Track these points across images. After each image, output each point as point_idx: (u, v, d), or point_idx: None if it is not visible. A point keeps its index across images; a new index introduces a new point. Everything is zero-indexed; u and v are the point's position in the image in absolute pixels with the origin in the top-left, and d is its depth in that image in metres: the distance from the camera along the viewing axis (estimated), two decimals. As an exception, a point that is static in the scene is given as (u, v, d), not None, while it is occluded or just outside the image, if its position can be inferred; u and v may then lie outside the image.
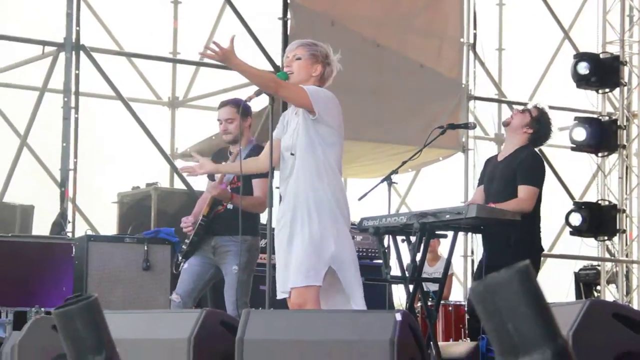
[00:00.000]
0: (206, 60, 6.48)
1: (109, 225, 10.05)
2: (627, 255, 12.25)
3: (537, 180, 6.39)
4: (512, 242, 6.22)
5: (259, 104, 8.34)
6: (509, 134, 6.59)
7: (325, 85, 5.41)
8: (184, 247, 6.61)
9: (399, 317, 4.33)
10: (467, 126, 7.87)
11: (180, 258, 6.64)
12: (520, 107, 6.65)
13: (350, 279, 5.21)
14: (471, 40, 11.59)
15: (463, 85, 11.45)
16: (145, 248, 7.44)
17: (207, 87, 12.04)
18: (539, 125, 6.49)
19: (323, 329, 4.38)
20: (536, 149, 6.62)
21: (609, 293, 12.19)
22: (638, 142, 12.06)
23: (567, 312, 4.45)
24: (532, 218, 6.39)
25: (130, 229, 8.79)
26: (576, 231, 11.80)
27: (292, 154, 5.28)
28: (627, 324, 4.39)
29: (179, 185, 10.44)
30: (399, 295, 7.88)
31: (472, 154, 11.21)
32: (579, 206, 11.86)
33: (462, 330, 8.86)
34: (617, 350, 4.35)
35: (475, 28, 11.63)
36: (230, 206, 6.47)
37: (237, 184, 6.46)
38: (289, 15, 10.43)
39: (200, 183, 7.85)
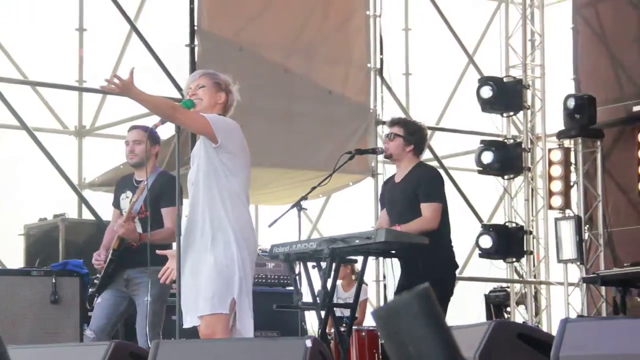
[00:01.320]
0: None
1: (15, 258, 9.88)
2: (535, 276, 12.45)
3: (438, 196, 6.46)
4: (423, 263, 6.27)
5: (167, 131, 8.30)
6: (396, 161, 6.67)
7: (228, 114, 5.43)
8: (95, 281, 6.55)
9: (308, 343, 4.32)
10: (374, 151, 7.94)
11: (91, 291, 6.57)
12: (387, 134, 6.70)
13: (245, 308, 5.21)
14: (378, 66, 11.71)
15: (371, 110, 11.55)
16: (54, 281, 7.33)
17: (114, 115, 11.93)
18: (413, 136, 6.59)
19: (233, 357, 4.36)
20: (428, 164, 6.73)
21: (519, 314, 12.37)
22: (542, 164, 12.29)
23: (472, 334, 4.50)
24: (441, 234, 6.43)
25: (38, 262, 8.65)
26: (485, 253, 11.96)
27: (192, 183, 5.30)
28: (532, 344, 4.46)
29: (87, 215, 10.31)
30: (312, 321, 7.92)
31: (381, 178, 11.29)
32: (487, 228, 12.02)
33: (376, 355, 8.89)
34: (523, 370, 4.42)
35: (382, 53, 11.76)
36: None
37: (145, 213, 6.43)
38: (196, 42, 10.43)
39: (108, 213, 7.76)
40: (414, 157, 6.58)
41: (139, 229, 6.48)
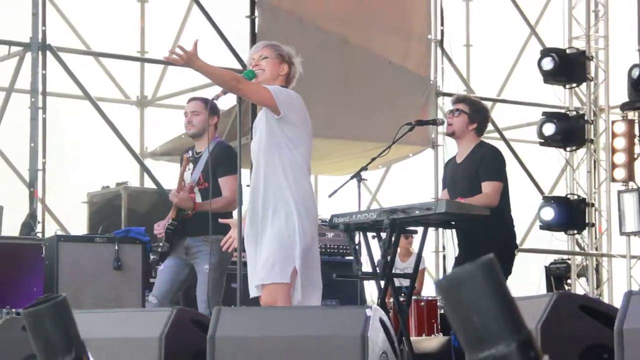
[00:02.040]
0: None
1: (79, 225, 10.02)
2: (596, 249, 12.34)
3: (499, 175, 6.43)
4: (484, 237, 6.26)
5: (228, 102, 8.34)
6: (458, 139, 6.63)
7: (290, 86, 5.45)
8: (157, 249, 6.62)
9: (369, 312, 4.35)
10: (435, 122, 7.91)
11: (152, 258, 6.66)
12: (451, 110, 6.66)
13: (310, 279, 5.23)
14: (438, 37, 11.64)
15: (431, 82, 11.50)
16: (116, 247, 7.43)
17: (175, 86, 12.02)
18: (477, 114, 6.55)
19: (294, 325, 4.41)
20: (490, 143, 6.68)
21: (579, 286, 12.28)
22: (605, 137, 12.14)
23: (535, 305, 4.50)
24: (501, 212, 6.42)
25: (101, 229, 8.77)
26: (546, 225, 11.88)
27: (255, 155, 5.33)
28: (595, 316, 4.44)
29: (149, 184, 10.43)
30: (371, 291, 7.93)
31: (442, 150, 11.26)
32: (549, 200, 11.93)
33: (435, 325, 8.91)
34: (585, 342, 4.40)
35: (442, 24, 11.69)
36: (198, 208, 6.51)
37: (205, 184, 6.48)
38: (256, 14, 10.44)
39: (170, 182, 7.84)
40: (475, 136, 6.55)
41: (199, 200, 6.54)
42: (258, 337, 4.36)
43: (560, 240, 12.29)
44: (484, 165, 6.40)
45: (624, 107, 11.62)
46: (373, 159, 7.02)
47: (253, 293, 5.23)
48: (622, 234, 11.45)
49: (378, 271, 6.35)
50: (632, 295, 3.95)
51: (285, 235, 5.17)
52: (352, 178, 6.98)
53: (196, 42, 5.12)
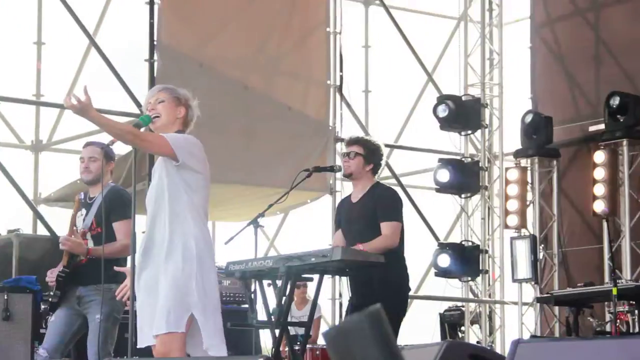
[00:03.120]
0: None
1: (-32, 273, 9.78)
2: (489, 296, 12.50)
3: (398, 215, 6.53)
4: (377, 282, 6.30)
5: (124, 147, 8.26)
6: (354, 180, 6.72)
7: (188, 129, 5.43)
8: (49, 299, 6.48)
9: (261, 362, 4.33)
10: (332, 169, 7.95)
11: (44, 308, 6.52)
12: (346, 152, 6.74)
13: (211, 327, 5.18)
14: (338, 82, 11.74)
15: (330, 127, 11.58)
16: (5, 297, 7.26)
17: (71, 130, 11.86)
18: (372, 155, 6.65)
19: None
20: (385, 184, 6.76)
21: (473, 333, 12.41)
22: (499, 183, 12.37)
23: (425, 354, 4.53)
24: (396, 256, 6.49)
25: (-9, 277, 8.57)
26: (441, 272, 12.00)
27: (153, 197, 5.29)
28: (484, 364, 4.49)
29: (42, 231, 10.23)
30: (266, 340, 7.91)
31: (340, 195, 11.31)
32: (444, 247, 12.07)
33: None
34: (475, 390, 4.44)
35: (341, 70, 11.80)
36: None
37: (97, 230, 6.40)
38: (155, 57, 10.40)
39: (63, 229, 7.70)
40: (372, 176, 6.64)
41: (92, 246, 6.44)
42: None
43: (454, 287, 12.43)
44: (382, 205, 6.48)
45: (517, 154, 11.87)
46: (270, 205, 7.03)
47: (145, 342, 5.16)
48: (514, 281, 11.63)
49: (273, 320, 6.32)
50: (519, 344, 4.01)
51: (182, 282, 5.12)
52: (249, 224, 6.96)
53: (85, 88, 5.06)
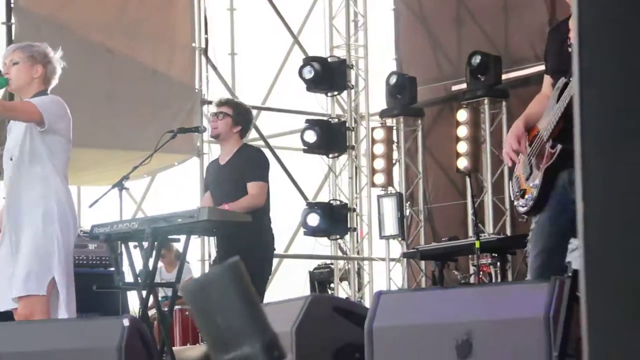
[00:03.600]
0: None
1: None
2: (358, 253, 12.69)
3: (264, 176, 6.65)
4: (244, 242, 6.35)
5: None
6: (222, 142, 6.77)
7: (50, 86, 5.35)
8: None
9: (126, 322, 4.32)
10: (197, 130, 7.95)
11: None
12: (215, 113, 6.80)
13: (68, 291, 5.16)
14: (203, 45, 11.67)
15: (196, 90, 11.52)
16: None
17: None
18: (241, 117, 6.73)
19: (49, 339, 4.31)
20: (254, 145, 6.84)
21: (342, 290, 12.59)
22: (366, 143, 12.51)
23: (290, 309, 4.58)
24: (262, 217, 6.58)
25: None
26: (310, 231, 12.12)
27: (10, 159, 5.21)
28: (347, 317, 4.57)
29: None
30: (134, 303, 7.86)
31: (207, 158, 11.28)
32: (313, 207, 12.17)
33: (200, 334, 8.93)
34: (338, 342, 4.52)
35: (206, 33, 11.73)
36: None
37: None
38: (13, 20, 10.16)
39: None
40: (239, 138, 6.72)
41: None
42: (9, 353, 4.24)
43: (323, 245, 12.58)
44: (250, 166, 6.56)
45: (383, 114, 12.03)
46: (135, 168, 7.00)
47: (4, 306, 5.10)
48: (381, 237, 11.82)
49: (140, 281, 6.31)
50: (382, 294, 4.09)
51: (43, 245, 5.08)
52: (113, 187, 6.92)
53: None
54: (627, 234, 1.64)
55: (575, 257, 3.73)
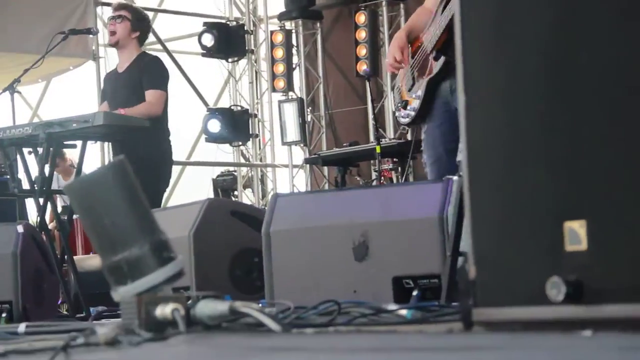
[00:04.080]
0: None
1: None
2: (260, 160, 12.65)
3: (163, 84, 6.57)
4: (142, 149, 6.26)
5: None
6: (120, 48, 6.67)
7: None
8: None
9: (20, 229, 4.25)
10: (90, 31, 7.76)
11: None
12: (113, 16, 6.69)
13: None
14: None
15: (89, -9, 11.22)
16: None
17: None
18: (140, 23, 6.64)
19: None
20: (152, 53, 6.74)
21: (246, 197, 12.57)
22: (265, 47, 12.38)
23: (188, 213, 4.55)
24: (161, 123, 6.50)
25: None
26: (212, 138, 12.01)
27: None
28: (245, 220, 4.56)
29: None
30: (31, 211, 7.72)
31: (103, 62, 11.05)
32: (213, 112, 12.06)
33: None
34: (237, 246, 4.51)
35: None
36: None
37: None
38: None
39: None
40: (137, 45, 6.64)
41: None
42: None
43: (226, 152, 12.50)
44: (147, 74, 6.48)
45: (281, 17, 11.88)
46: (26, 70, 6.83)
47: None
48: (284, 144, 11.80)
49: (36, 188, 6.18)
50: (278, 197, 4.07)
51: None
52: (4, 91, 6.74)
53: None
54: (508, 126, 1.64)
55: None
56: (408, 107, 4.44)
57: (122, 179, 2.40)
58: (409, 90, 4.46)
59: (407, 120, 4.48)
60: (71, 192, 2.41)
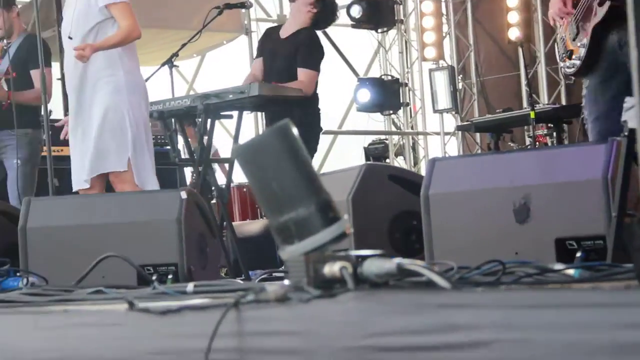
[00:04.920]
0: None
1: None
2: (412, 128, 12.64)
3: (316, 64, 6.52)
4: (294, 119, 6.32)
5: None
6: (293, 10, 6.64)
7: None
8: None
9: (183, 195, 4.35)
10: (243, 5, 7.84)
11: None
12: None
13: (145, 164, 5.23)
14: None
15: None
16: None
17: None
18: (324, 6, 6.57)
19: (109, 212, 4.35)
20: (317, 31, 6.69)
21: (398, 165, 12.58)
22: (414, 17, 12.32)
23: (346, 178, 4.58)
24: (313, 101, 6.56)
25: None
26: (363, 107, 12.07)
27: (70, 38, 5.22)
28: (402, 184, 4.56)
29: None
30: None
31: (255, 36, 11.21)
32: (364, 82, 12.10)
33: (258, 210, 9.01)
34: (395, 210, 4.52)
35: None
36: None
37: (13, 75, 6.31)
38: None
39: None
40: (308, 20, 6.54)
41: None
42: (72, 225, 4.29)
43: (377, 121, 12.54)
44: (303, 51, 6.45)
45: (431, -14, 11.80)
46: (184, 45, 6.99)
47: (78, 186, 5.18)
48: (435, 111, 11.76)
49: (195, 157, 6.34)
50: (436, 161, 4.06)
51: (117, 122, 5.15)
52: (163, 65, 6.92)
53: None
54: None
55: (630, 115, 3.65)
56: (573, 57, 4.35)
57: (288, 142, 2.43)
58: (574, 39, 4.36)
59: (572, 70, 4.39)
60: (238, 156, 2.46)
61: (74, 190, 5.27)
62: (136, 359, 2.40)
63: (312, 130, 6.52)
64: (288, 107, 6.21)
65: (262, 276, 4.65)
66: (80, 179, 5.17)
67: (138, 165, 5.21)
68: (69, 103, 5.29)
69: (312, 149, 6.59)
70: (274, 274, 4.74)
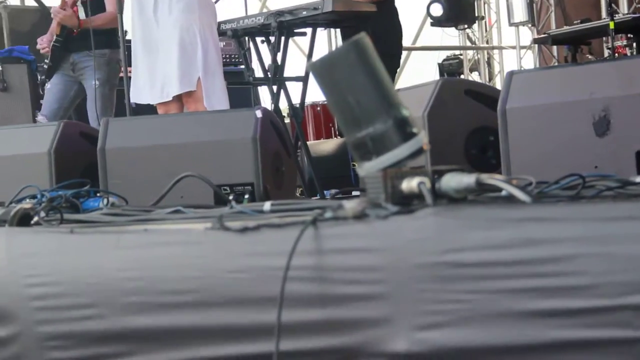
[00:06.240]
0: None
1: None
2: (487, 42, 12.46)
3: None
4: (370, 34, 6.26)
5: None
6: None
7: None
8: (44, 66, 6.50)
9: (259, 114, 4.34)
10: None
11: (41, 79, 6.52)
12: None
13: (215, 84, 5.25)
14: None
15: None
16: (0, 68, 7.23)
17: None
18: None
19: (185, 132, 4.38)
20: None
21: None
22: None
23: (421, 93, 4.53)
24: (389, 9, 6.44)
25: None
26: (437, 21, 11.91)
27: None
28: (479, 99, 4.50)
29: (30, 2, 10.09)
30: (265, 98, 7.93)
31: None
32: (438, -4, 11.93)
33: (332, 129, 8.99)
34: (471, 125, 4.47)
35: None
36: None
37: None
38: None
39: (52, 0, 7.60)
40: None
41: (82, 14, 6.39)
42: (149, 146, 4.32)
43: (451, 36, 12.38)
44: None
45: None
46: (256, -38, 6.94)
47: (142, 99, 5.23)
48: (511, 24, 11.56)
49: (270, 76, 6.32)
50: (514, 74, 3.98)
51: (187, 42, 5.16)
52: (236, -18, 6.88)
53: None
54: None
55: None
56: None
57: (364, 56, 2.40)
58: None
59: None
60: (314, 70, 2.44)
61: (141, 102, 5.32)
62: (215, 277, 2.42)
63: (391, 45, 6.45)
64: (363, 22, 6.15)
65: (336, 195, 4.65)
66: (141, 94, 5.23)
67: (208, 86, 5.22)
68: (135, 17, 5.30)
69: (395, 65, 6.52)
70: (348, 193, 4.74)
